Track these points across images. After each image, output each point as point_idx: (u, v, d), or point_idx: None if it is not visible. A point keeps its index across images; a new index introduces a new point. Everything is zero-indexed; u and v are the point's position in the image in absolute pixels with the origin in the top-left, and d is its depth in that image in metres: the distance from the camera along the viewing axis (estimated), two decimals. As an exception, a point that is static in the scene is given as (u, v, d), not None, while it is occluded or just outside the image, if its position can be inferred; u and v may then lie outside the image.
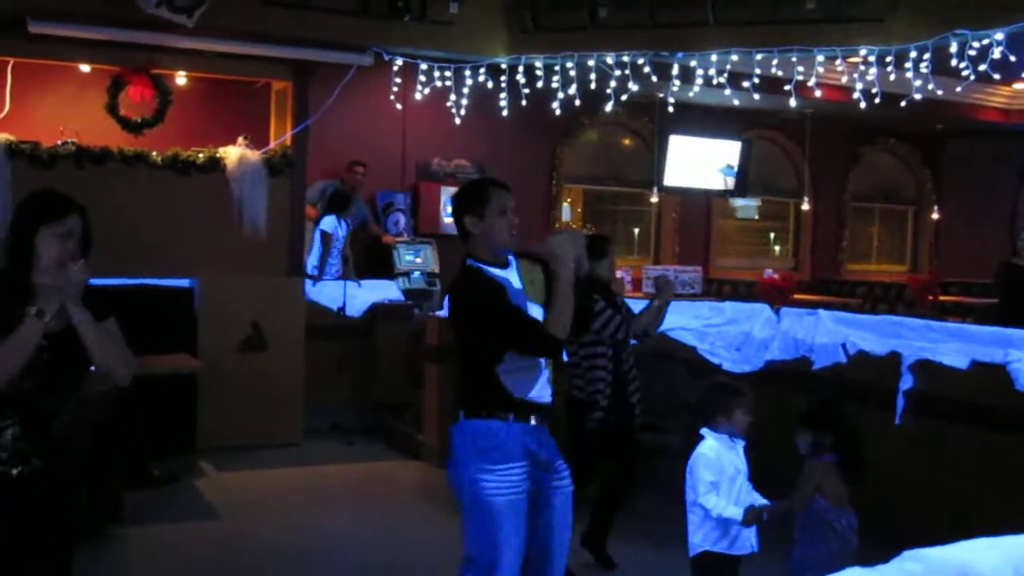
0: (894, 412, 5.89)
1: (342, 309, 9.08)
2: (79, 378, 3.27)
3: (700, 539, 4.25)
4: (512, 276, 3.89)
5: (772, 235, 14.72)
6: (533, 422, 3.81)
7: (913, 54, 8.57)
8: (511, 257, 3.93)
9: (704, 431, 4.29)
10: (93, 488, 5.70)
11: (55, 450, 3.18)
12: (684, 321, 7.26)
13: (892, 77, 9.40)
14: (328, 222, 9.96)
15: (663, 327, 7.11)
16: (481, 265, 3.86)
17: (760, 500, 4.24)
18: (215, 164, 9.47)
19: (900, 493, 5.61)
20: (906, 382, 5.90)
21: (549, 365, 3.92)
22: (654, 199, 12.83)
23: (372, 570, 5.59)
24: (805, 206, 13.74)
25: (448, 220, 11.22)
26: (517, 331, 3.78)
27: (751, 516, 4.14)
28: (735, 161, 12.84)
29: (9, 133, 8.92)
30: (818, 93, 9.81)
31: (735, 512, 4.13)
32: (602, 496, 5.79)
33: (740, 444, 4.28)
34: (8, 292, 3.15)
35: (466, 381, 3.95)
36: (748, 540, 4.23)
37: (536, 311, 3.83)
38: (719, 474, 4.19)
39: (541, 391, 3.87)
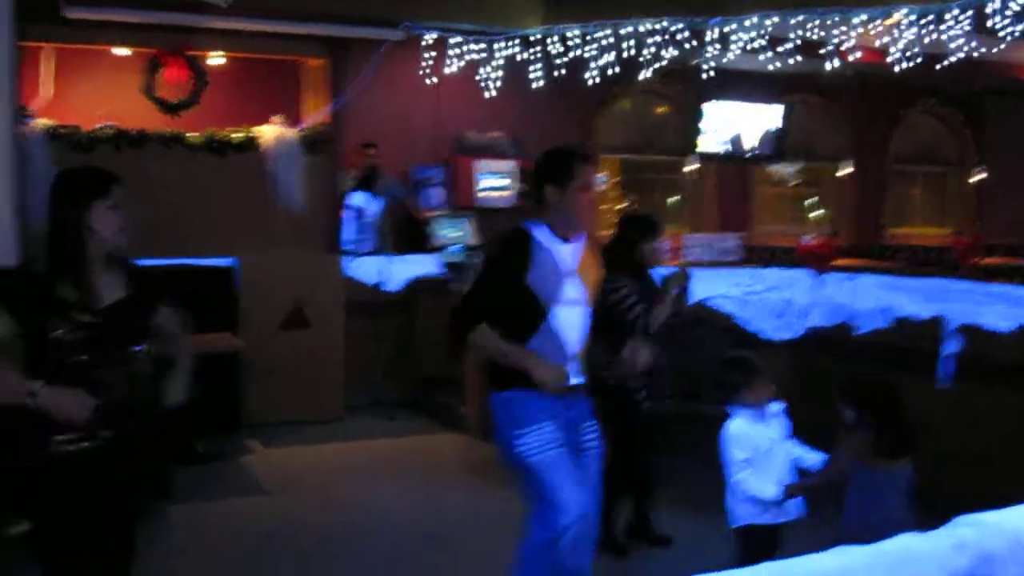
0: (938, 376, 5.83)
1: (381, 284, 9.11)
2: (131, 352, 3.32)
3: (741, 512, 4.25)
4: (566, 251, 3.92)
5: (812, 200, 14.56)
6: (564, 396, 3.92)
7: (954, 12, 8.42)
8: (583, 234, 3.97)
9: (731, 408, 4.27)
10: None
11: (125, 419, 3.26)
12: (724, 289, 7.22)
13: (932, 37, 9.23)
14: (358, 198, 9.98)
15: (703, 295, 7.10)
16: (533, 228, 3.91)
17: (809, 456, 4.21)
18: (251, 143, 9.52)
19: (945, 458, 5.55)
20: (950, 346, 5.83)
21: (581, 351, 3.97)
22: (692, 167, 12.73)
23: (418, 543, 5.62)
24: (846, 170, 13.57)
25: (483, 193, 11.21)
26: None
27: (791, 492, 4.13)
28: (774, 126, 12.70)
29: (48, 118, 9.00)
30: (858, 55, 9.66)
31: (772, 491, 4.11)
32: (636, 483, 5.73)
33: (775, 412, 4.25)
34: (45, 298, 3.18)
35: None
36: (792, 507, 4.21)
37: (575, 293, 3.90)
38: (751, 450, 4.17)
39: (572, 378, 3.94)
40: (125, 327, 3.28)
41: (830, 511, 4.08)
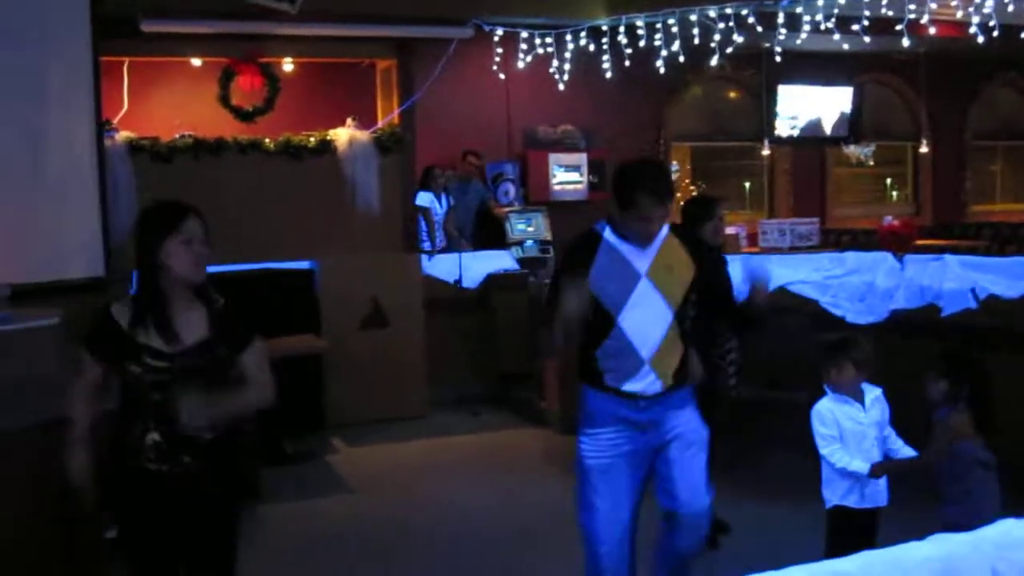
0: (1030, 356, 5.70)
1: (458, 281, 9.17)
2: (215, 389, 3.31)
3: (830, 493, 4.23)
4: (639, 256, 3.86)
5: (890, 181, 14.32)
6: (640, 404, 3.89)
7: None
8: (665, 231, 3.91)
9: (826, 387, 4.25)
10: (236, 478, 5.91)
11: (204, 449, 3.30)
12: (804, 274, 7.13)
13: (1010, 8, 9.00)
14: (423, 198, 10.07)
15: (783, 281, 7.03)
16: (604, 230, 3.92)
17: (905, 450, 4.17)
18: (326, 147, 9.64)
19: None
20: (1041, 325, 5.70)
21: (660, 357, 3.86)
22: (765, 152, 12.61)
23: (503, 539, 5.66)
24: (923, 148, 13.32)
25: (558, 187, 11.22)
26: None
27: (878, 470, 4.09)
28: (847, 107, 12.51)
29: (129, 131, 9.22)
30: (932, 30, 9.47)
31: (860, 466, 4.08)
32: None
33: (869, 396, 4.19)
34: (121, 340, 3.23)
35: (579, 350, 4.01)
36: (879, 494, 4.17)
37: (649, 296, 3.82)
38: (835, 428, 4.15)
39: (645, 384, 3.87)
40: (202, 368, 3.27)
41: (919, 502, 4.02)
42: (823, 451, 4.17)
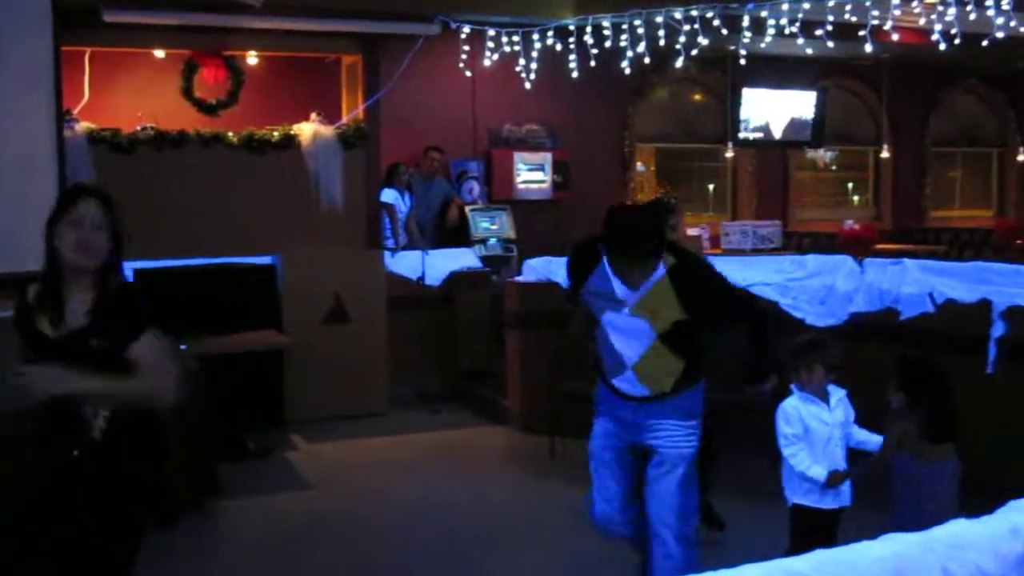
0: (985, 360, 5.77)
1: (421, 279, 9.15)
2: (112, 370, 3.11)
3: (790, 491, 4.27)
4: (626, 289, 3.88)
5: (851, 185, 14.46)
6: (630, 403, 4.08)
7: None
8: (661, 271, 3.90)
9: (792, 387, 4.28)
10: (191, 463, 5.86)
11: (94, 443, 3.09)
12: (765, 276, 7.17)
13: (972, 16, 9.11)
14: (388, 194, 10.05)
15: (745, 283, 7.07)
16: (603, 253, 3.94)
17: (874, 438, 4.22)
18: (290, 141, 9.59)
19: (994, 442, 5.50)
20: (997, 329, 5.76)
21: (644, 367, 3.96)
22: (729, 154, 12.69)
23: (464, 536, 5.65)
24: (884, 154, 13.46)
25: (522, 186, 11.23)
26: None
27: (834, 479, 4.13)
28: (810, 111, 12.62)
29: (89, 121, 9.12)
30: (895, 37, 9.56)
31: (818, 472, 4.11)
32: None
33: (834, 397, 4.23)
34: (25, 324, 3.13)
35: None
36: (840, 494, 4.20)
37: (632, 322, 3.90)
38: (800, 427, 4.18)
39: (630, 387, 4.03)
40: (86, 356, 3.06)
41: (882, 501, 4.06)
42: (785, 451, 4.20)
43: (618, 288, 3.88)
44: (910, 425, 4.04)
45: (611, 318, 3.94)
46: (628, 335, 3.96)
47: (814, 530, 4.17)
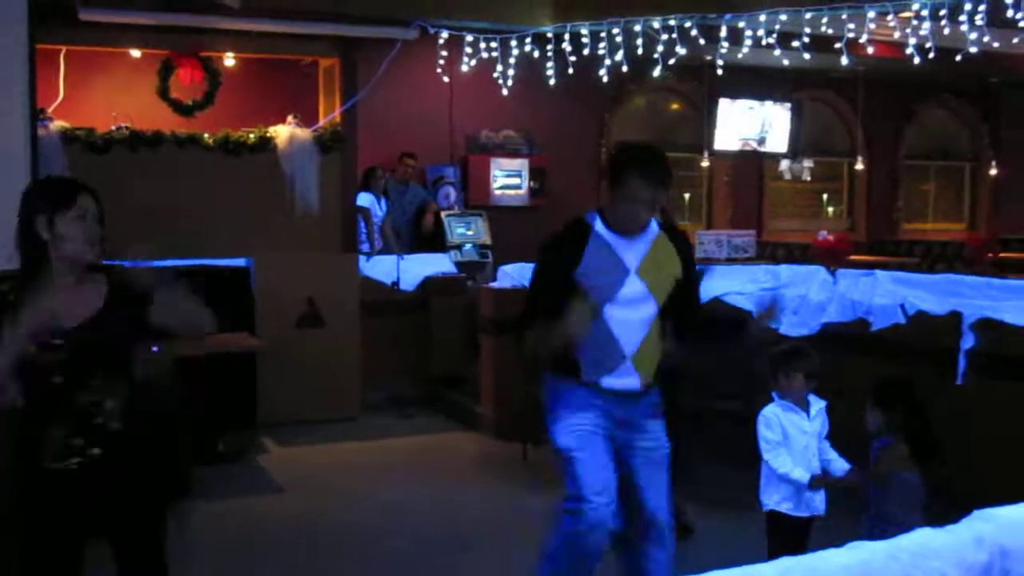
0: (955, 372, 5.81)
1: (396, 283, 9.14)
2: (118, 368, 3.16)
3: (767, 497, 4.28)
4: (629, 250, 3.77)
5: (826, 196, 14.55)
6: (615, 400, 3.83)
7: (967, 6, 8.40)
8: (656, 228, 3.85)
9: (772, 395, 4.30)
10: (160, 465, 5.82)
11: (114, 437, 3.10)
12: (739, 285, 7.20)
13: (946, 31, 9.20)
14: (364, 199, 10.04)
15: (718, 292, 7.10)
16: (595, 221, 3.81)
17: (839, 462, 4.24)
18: (266, 144, 9.56)
19: (964, 454, 5.54)
20: (967, 341, 5.80)
21: (643, 355, 3.81)
22: (705, 163, 12.74)
23: (434, 541, 5.64)
24: (859, 166, 13.56)
25: (499, 192, 11.24)
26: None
27: (818, 481, 4.14)
28: (786, 123, 12.70)
29: (64, 120, 9.06)
30: (870, 50, 9.63)
31: (801, 475, 4.13)
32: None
33: (814, 408, 4.25)
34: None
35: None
36: (813, 503, 4.22)
37: (637, 291, 3.75)
38: (780, 434, 4.21)
39: (624, 381, 3.81)
40: (101, 345, 3.09)
41: (855, 511, 4.08)
42: (766, 455, 4.21)
43: (621, 248, 3.75)
44: (901, 446, 4.03)
45: (615, 302, 3.73)
46: (632, 318, 3.76)
47: (787, 537, 4.18)
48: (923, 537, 1.82)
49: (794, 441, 4.20)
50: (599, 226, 3.79)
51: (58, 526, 3.09)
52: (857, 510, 4.13)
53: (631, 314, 3.77)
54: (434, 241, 10.57)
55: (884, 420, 4.08)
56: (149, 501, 3.26)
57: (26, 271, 3.11)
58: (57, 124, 8.94)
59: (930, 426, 4.10)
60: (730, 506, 5.98)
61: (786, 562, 1.67)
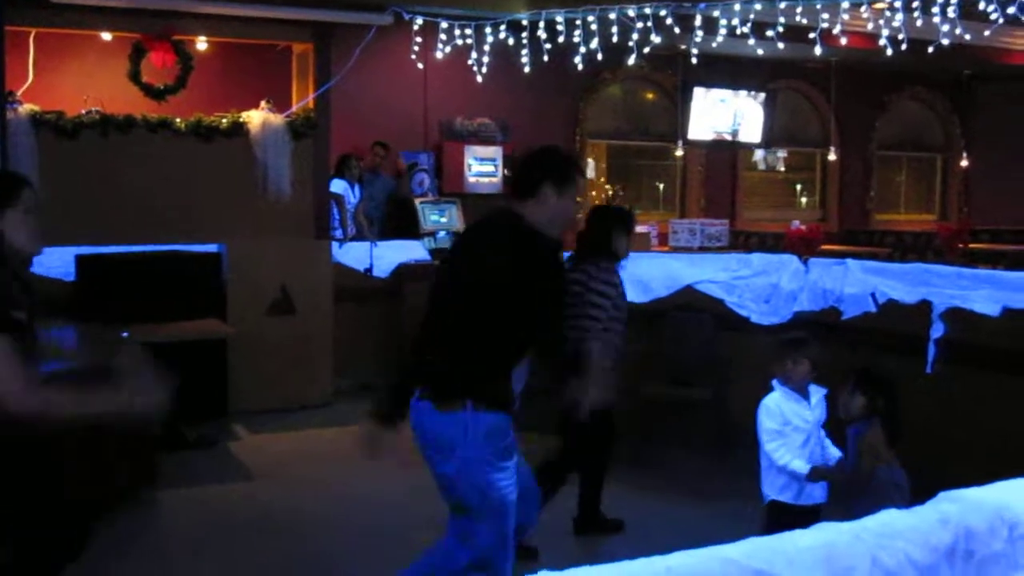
0: (925, 361, 5.85)
1: (369, 270, 9.10)
2: None
3: (768, 487, 4.29)
4: None
5: (799, 186, 14.61)
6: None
7: (940, -3, 8.45)
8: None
9: (773, 382, 4.31)
10: (130, 453, 5.79)
11: None
12: (711, 274, 7.23)
13: (919, 22, 9.25)
14: (337, 185, 10.00)
15: (691, 280, 7.12)
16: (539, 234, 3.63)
17: (831, 449, 4.26)
18: (238, 129, 9.48)
19: (932, 441, 5.58)
20: (937, 330, 5.85)
21: None
22: (679, 152, 12.76)
23: (405, 528, 5.63)
24: (831, 156, 13.62)
25: (473, 179, 11.21)
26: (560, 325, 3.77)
27: (816, 474, 4.15)
28: (760, 113, 12.73)
29: (33, 104, 8.96)
30: (844, 41, 9.68)
31: (800, 466, 4.14)
32: (587, 470, 5.46)
33: (815, 396, 4.25)
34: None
35: (479, 364, 3.51)
36: (814, 492, 4.23)
37: None
38: (780, 423, 4.22)
39: (519, 384, 3.75)
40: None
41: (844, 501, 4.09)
42: (767, 446, 4.22)
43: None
44: (878, 432, 4.05)
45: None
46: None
47: (788, 528, 4.18)
48: (888, 518, 1.83)
49: (795, 430, 4.20)
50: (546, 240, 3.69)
51: None
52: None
53: None
54: (408, 228, 10.53)
55: (864, 406, 4.08)
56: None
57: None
58: (26, 107, 8.83)
59: (899, 413, 4.13)
60: (702, 493, 6.01)
61: (752, 542, 1.68)
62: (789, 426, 4.21)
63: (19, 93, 9.02)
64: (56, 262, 7.92)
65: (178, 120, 9.29)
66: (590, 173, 12.63)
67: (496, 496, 3.45)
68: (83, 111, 9.06)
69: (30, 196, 3.09)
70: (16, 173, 3.27)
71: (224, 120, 9.44)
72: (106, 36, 9.68)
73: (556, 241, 3.64)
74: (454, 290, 3.63)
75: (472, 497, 3.48)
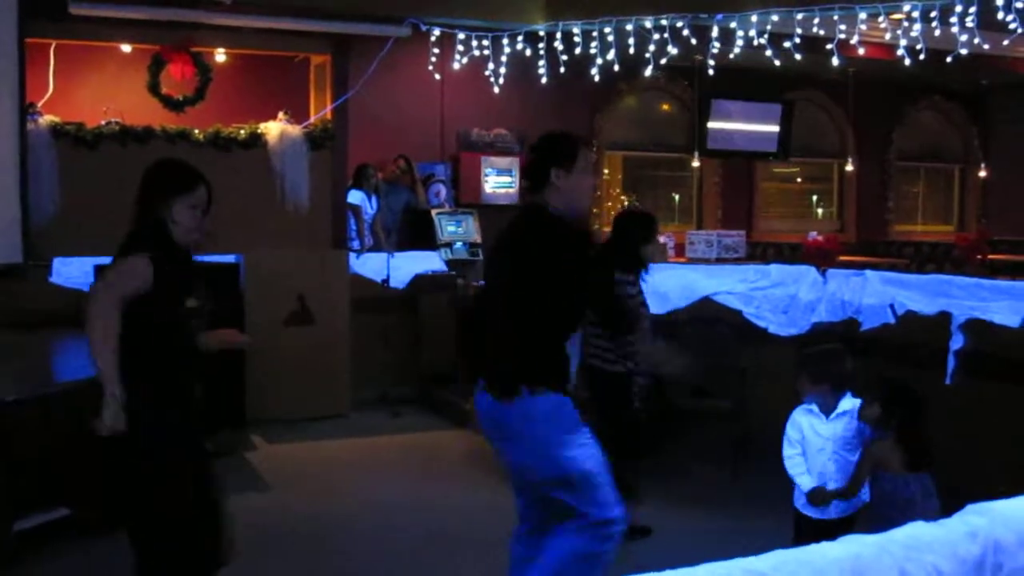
0: (944, 372, 5.82)
1: (386, 281, 9.12)
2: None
3: (795, 498, 4.30)
4: None
5: (816, 197, 14.57)
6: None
7: (958, 8, 8.42)
8: None
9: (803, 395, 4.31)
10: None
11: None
12: (729, 285, 7.22)
13: (937, 33, 9.21)
14: (354, 195, 10.02)
15: (708, 292, 7.11)
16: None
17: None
18: (256, 140, 9.52)
19: (952, 453, 5.55)
20: (956, 341, 5.82)
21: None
22: (695, 164, 12.74)
23: (424, 538, 5.63)
24: (849, 167, 13.57)
25: (490, 190, 11.22)
26: (611, 301, 3.83)
27: (816, 496, 4.14)
28: (777, 124, 12.71)
29: (53, 115, 9.02)
30: (861, 51, 9.62)
31: (805, 482, 4.13)
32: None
33: (844, 410, 4.21)
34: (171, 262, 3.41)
35: (527, 351, 3.66)
36: (838, 506, 4.21)
37: None
38: (800, 436, 4.23)
39: (571, 363, 3.81)
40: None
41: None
42: (784, 454, 4.25)
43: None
44: (889, 443, 4.03)
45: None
46: None
47: (809, 540, 4.16)
48: (916, 530, 1.82)
49: (810, 444, 4.19)
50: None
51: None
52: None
53: None
54: (424, 239, 10.54)
55: (880, 416, 4.06)
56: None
57: (161, 246, 3.53)
58: (47, 119, 8.90)
59: (924, 431, 4.09)
60: (720, 504, 6.00)
61: (780, 555, 1.67)
62: (806, 441, 4.21)
63: (40, 104, 9.09)
64: (75, 272, 7.96)
65: (196, 131, 9.34)
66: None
67: (575, 470, 3.57)
68: (102, 122, 9.12)
69: (203, 193, 3.48)
70: (190, 167, 3.61)
71: (242, 131, 9.49)
72: (125, 48, 9.74)
73: (580, 230, 3.78)
74: (495, 286, 3.88)
75: (553, 475, 3.60)
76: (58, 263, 8.15)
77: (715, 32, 9.58)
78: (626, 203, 12.62)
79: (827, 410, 4.22)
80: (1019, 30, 8.43)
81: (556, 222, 3.67)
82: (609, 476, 3.67)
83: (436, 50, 10.00)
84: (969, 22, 8.50)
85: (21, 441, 4.82)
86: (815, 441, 4.19)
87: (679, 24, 9.41)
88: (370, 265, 9.34)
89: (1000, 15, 8.32)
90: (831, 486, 4.15)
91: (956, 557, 1.79)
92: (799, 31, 9.25)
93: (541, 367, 3.63)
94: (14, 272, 7.37)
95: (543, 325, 3.64)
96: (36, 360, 6.71)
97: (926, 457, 4.02)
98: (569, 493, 3.63)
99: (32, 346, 6.96)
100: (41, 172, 8.56)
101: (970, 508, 1.94)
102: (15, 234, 7.58)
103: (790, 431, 4.25)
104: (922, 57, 9.16)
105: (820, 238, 12.22)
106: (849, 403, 4.23)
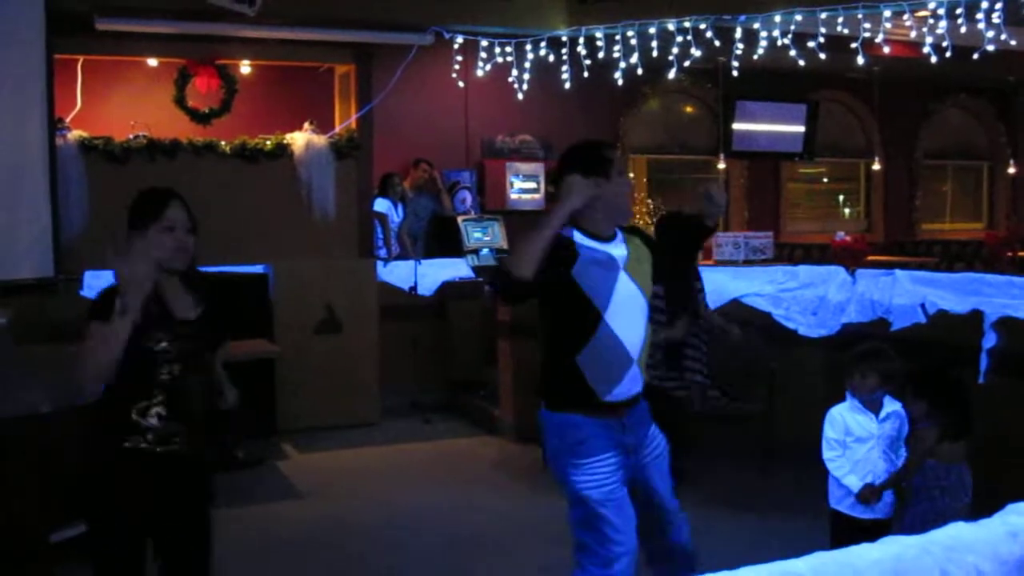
0: (977, 371, 5.77)
1: (414, 288, 9.14)
2: (211, 361, 3.52)
3: (831, 497, 4.29)
4: (613, 249, 3.61)
5: (842, 197, 14.50)
6: (622, 416, 3.59)
7: (984, 4, 8.36)
8: (618, 230, 3.69)
9: (846, 393, 4.29)
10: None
11: (195, 430, 3.37)
12: (758, 287, 7.19)
13: (963, 29, 9.14)
14: (380, 204, 10.05)
15: (737, 294, 7.09)
16: (573, 234, 3.59)
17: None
18: (282, 150, 9.58)
19: (987, 452, 5.50)
20: (989, 340, 5.77)
21: (643, 355, 3.64)
22: (721, 165, 12.71)
23: (455, 545, 5.63)
24: (876, 166, 13.50)
25: (515, 196, 11.24)
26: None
27: (866, 494, 4.13)
28: (802, 124, 12.66)
29: (81, 130, 9.11)
30: (886, 50, 9.57)
31: (852, 482, 4.12)
32: None
33: (885, 410, 4.21)
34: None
35: (545, 367, 3.69)
36: (878, 506, 4.19)
37: (631, 289, 3.58)
38: (843, 434, 4.21)
39: (630, 386, 3.60)
40: (208, 338, 3.43)
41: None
42: (825, 455, 4.22)
43: (603, 248, 3.60)
44: (932, 431, 4.05)
45: (613, 301, 3.54)
46: (631, 317, 3.59)
47: (850, 538, 4.15)
48: (956, 531, 1.80)
49: (858, 442, 4.18)
50: (579, 237, 3.61)
51: (138, 509, 3.29)
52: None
53: (630, 314, 3.59)
54: (451, 246, 10.56)
55: (928, 411, 4.07)
56: (207, 498, 3.63)
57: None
58: (75, 133, 8.99)
59: (968, 405, 4.10)
60: (749, 508, 5.97)
61: (819, 557, 1.66)
62: (851, 438, 4.19)
63: (68, 120, 9.18)
64: (106, 285, 8.01)
65: (223, 143, 9.41)
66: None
67: (575, 490, 3.55)
68: (130, 136, 9.20)
69: (175, 213, 3.35)
70: (164, 189, 3.45)
71: (268, 142, 9.55)
72: (152, 62, 9.84)
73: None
74: None
75: (560, 482, 3.65)
76: (89, 277, 8.22)
77: (738, 33, 9.55)
78: (651, 207, 12.59)
79: (875, 408, 4.20)
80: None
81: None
82: (625, 513, 3.52)
83: (459, 57, 10.03)
84: (996, 18, 8.45)
85: (55, 453, 4.85)
86: (866, 440, 4.18)
87: (702, 26, 9.39)
88: (397, 273, 9.36)
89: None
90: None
91: (997, 557, 1.78)
92: (823, 30, 9.21)
93: (556, 383, 3.66)
94: (46, 286, 7.44)
95: (553, 341, 3.67)
96: (69, 373, 6.75)
97: (969, 424, 4.06)
98: (568, 502, 3.61)
99: (65, 359, 7.01)
100: (70, 187, 8.65)
101: (1010, 508, 1.92)
102: (46, 248, 7.65)
103: (830, 432, 4.22)
104: (948, 54, 9.10)
105: (848, 238, 12.16)
106: (892, 404, 4.23)
